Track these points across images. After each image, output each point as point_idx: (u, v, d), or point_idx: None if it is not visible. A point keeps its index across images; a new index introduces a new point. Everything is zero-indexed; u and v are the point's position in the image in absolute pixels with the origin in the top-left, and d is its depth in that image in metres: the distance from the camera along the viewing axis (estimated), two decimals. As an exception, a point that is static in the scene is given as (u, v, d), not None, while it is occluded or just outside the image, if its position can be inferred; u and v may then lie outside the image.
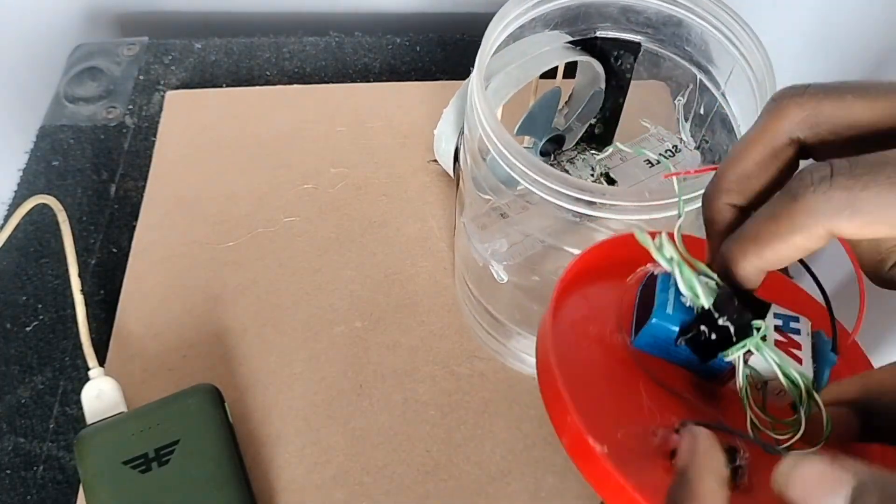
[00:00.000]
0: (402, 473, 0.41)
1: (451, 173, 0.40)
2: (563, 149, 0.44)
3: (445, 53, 0.60)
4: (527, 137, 0.42)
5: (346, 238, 0.50)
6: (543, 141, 0.42)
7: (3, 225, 0.47)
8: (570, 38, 0.40)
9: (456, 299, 0.47)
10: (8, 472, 0.42)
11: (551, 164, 0.43)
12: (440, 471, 0.42)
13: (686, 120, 0.42)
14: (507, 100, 0.39)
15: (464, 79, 0.59)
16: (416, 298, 0.47)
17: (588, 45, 0.41)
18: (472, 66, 0.35)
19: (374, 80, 0.59)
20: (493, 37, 0.36)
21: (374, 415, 0.43)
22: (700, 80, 0.40)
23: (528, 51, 0.39)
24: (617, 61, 0.41)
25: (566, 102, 0.44)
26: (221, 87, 0.57)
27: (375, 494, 0.41)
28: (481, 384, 0.44)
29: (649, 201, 0.30)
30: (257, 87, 0.52)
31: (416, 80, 0.59)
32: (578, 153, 0.43)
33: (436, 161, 0.53)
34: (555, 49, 0.39)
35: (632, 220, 0.31)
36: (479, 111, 0.33)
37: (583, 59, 0.41)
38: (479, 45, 0.35)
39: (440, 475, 0.41)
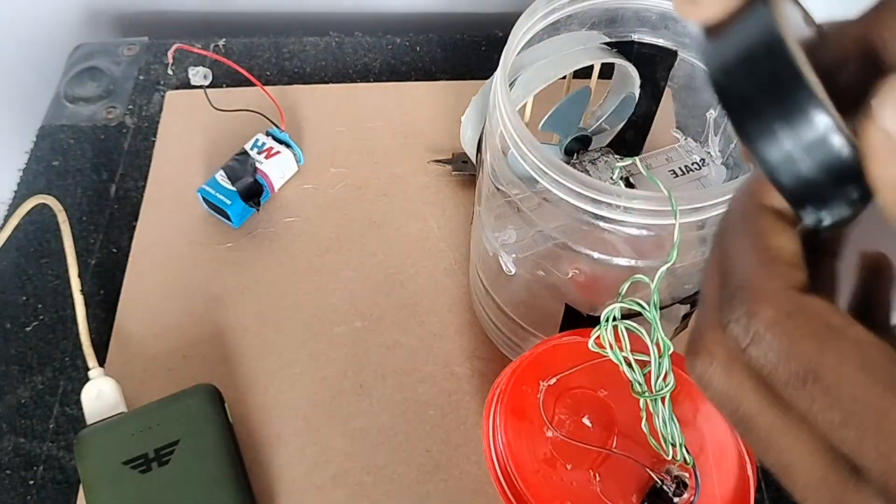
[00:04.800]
0: (402, 473, 0.41)
1: (474, 161, 0.40)
2: (589, 149, 0.43)
3: (445, 53, 0.60)
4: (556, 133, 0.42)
5: (346, 238, 0.50)
6: (569, 139, 0.42)
7: (3, 225, 0.47)
8: (607, 40, 0.40)
9: (456, 299, 0.47)
10: (8, 472, 0.42)
11: (573, 163, 0.43)
12: (440, 471, 0.42)
13: (716, 134, 0.42)
14: (535, 94, 0.38)
15: (464, 79, 0.59)
16: (416, 298, 0.47)
17: (624, 49, 0.40)
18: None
19: (374, 80, 0.59)
20: (521, 33, 0.35)
21: (374, 415, 0.43)
22: None
23: (561, 48, 0.38)
24: (652, 68, 0.41)
25: (599, 105, 0.44)
26: (221, 87, 0.57)
27: (375, 494, 0.41)
28: (481, 384, 0.44)
29: (664, 206, 0.29)
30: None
31: (416, 80, 0.59)
32: (601, 155, 0.43)
33: (436, 161, 0.53)
34: (589, 48, 0.39)
35: (646, 224, 0.30)
36: (501, 107, 0.33)
37: (616, 61, 0.40)
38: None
39: (440, 475, 0.41)
